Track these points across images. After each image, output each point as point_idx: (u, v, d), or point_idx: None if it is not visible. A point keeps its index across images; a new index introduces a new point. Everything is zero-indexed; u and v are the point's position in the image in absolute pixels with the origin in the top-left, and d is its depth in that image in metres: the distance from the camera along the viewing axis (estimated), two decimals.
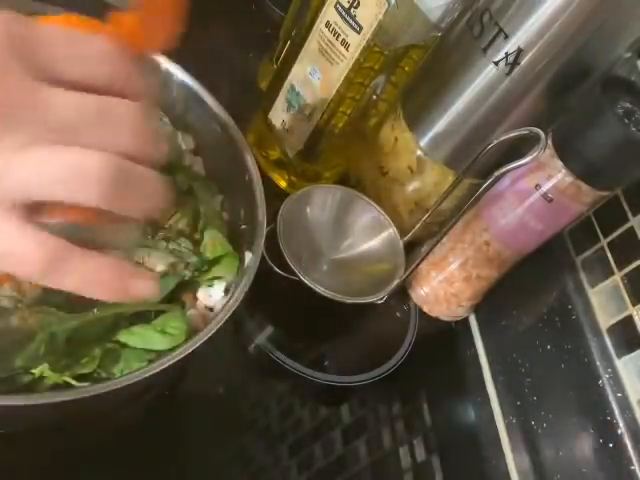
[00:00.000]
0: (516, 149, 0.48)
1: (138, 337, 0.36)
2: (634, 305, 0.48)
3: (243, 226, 0.44)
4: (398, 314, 0.58)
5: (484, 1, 0.47)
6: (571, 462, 0.48)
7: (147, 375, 0.32)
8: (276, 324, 0.52)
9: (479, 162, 0.48)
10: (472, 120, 0.51)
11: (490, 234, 0.53)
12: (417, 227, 0.54)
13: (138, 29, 0.25)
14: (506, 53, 0.46)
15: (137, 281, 0.24)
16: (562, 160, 0.46)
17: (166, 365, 0.33)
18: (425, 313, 0.59)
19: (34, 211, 0.22)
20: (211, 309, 0.40)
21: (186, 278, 0.40)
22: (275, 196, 0.51)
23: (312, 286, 0.48)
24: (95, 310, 0.34)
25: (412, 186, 0.56)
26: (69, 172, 0.21)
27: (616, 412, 0.46)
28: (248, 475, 0.45)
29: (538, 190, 0.47)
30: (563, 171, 0.46)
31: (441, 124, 0.52)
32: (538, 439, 0.51)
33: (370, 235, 0.55)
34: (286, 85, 0.54)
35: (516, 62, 0.46)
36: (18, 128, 0.20)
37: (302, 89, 0.52)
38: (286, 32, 0.61)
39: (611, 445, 0.46)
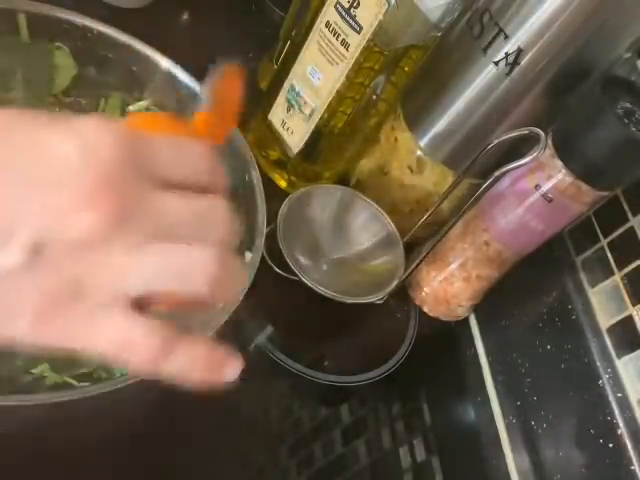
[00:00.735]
0: (516, 149, 0.48)
1: None
2: (634, 305, 0.48)
3: (243, 226, 0.44)
4: (398, 314, 0.58)
5: (484, 1, 0.47)
6: (571, 462, 0.48)
7: None
8: (276, 324, 0.52)
9: (479, 162, 0.48)
10: (472, 120, 0.51)
11: (490, 234, 0.53)
12: (417, 227, 0.54)
13: (212, 125, 0.28)
14: (506, 53, 0.46)
15: (226, 367, 0.26)
16: (562, 160, 0.46)
17: None
18: (425, 313, 0.59)
19: (139, 302, 0.24)
20: None
21: None
22: (275, 196, 0.51)
23: (312, 286, 0.48)
24: None
25: (412, 186, 0.56)
26: (185, 267, 0.23)
27: (616, 412, 0.46)
28: (248, 475, 0.45)
29: (538, 190, 0.47)
30: (563, 171, 0.46)
31: (441, 124, 0.52)
32: (538, 439, 0.51)
33: (370, 235, 0.55)
34: (286, 85, 0.54)
35: (516, 62, 0.46)
36: (137, 231, 0.22)
37: (302, 89, 0.52)
38: (286, 32, 0.61)
39: (611, 445, 0.46)
